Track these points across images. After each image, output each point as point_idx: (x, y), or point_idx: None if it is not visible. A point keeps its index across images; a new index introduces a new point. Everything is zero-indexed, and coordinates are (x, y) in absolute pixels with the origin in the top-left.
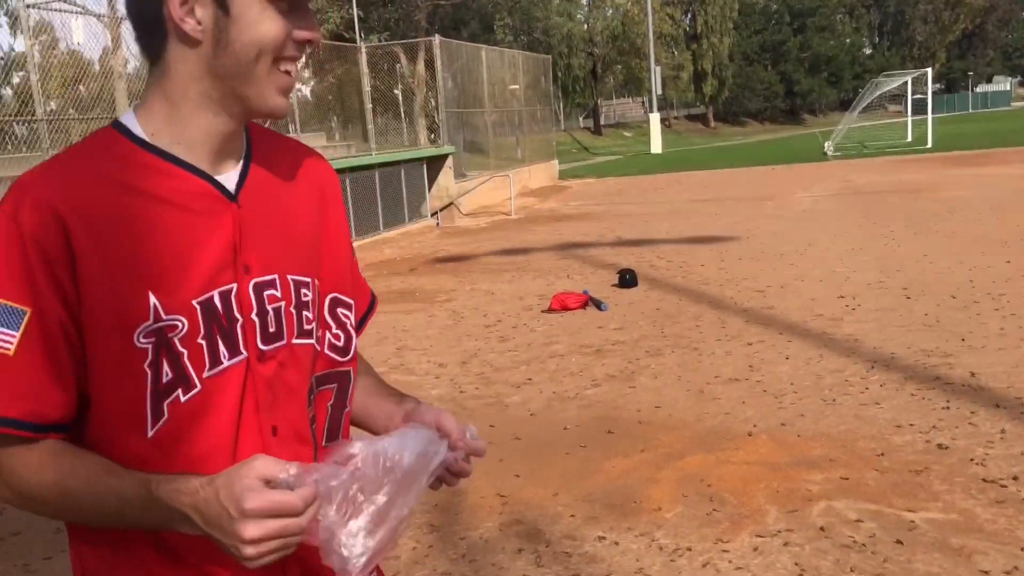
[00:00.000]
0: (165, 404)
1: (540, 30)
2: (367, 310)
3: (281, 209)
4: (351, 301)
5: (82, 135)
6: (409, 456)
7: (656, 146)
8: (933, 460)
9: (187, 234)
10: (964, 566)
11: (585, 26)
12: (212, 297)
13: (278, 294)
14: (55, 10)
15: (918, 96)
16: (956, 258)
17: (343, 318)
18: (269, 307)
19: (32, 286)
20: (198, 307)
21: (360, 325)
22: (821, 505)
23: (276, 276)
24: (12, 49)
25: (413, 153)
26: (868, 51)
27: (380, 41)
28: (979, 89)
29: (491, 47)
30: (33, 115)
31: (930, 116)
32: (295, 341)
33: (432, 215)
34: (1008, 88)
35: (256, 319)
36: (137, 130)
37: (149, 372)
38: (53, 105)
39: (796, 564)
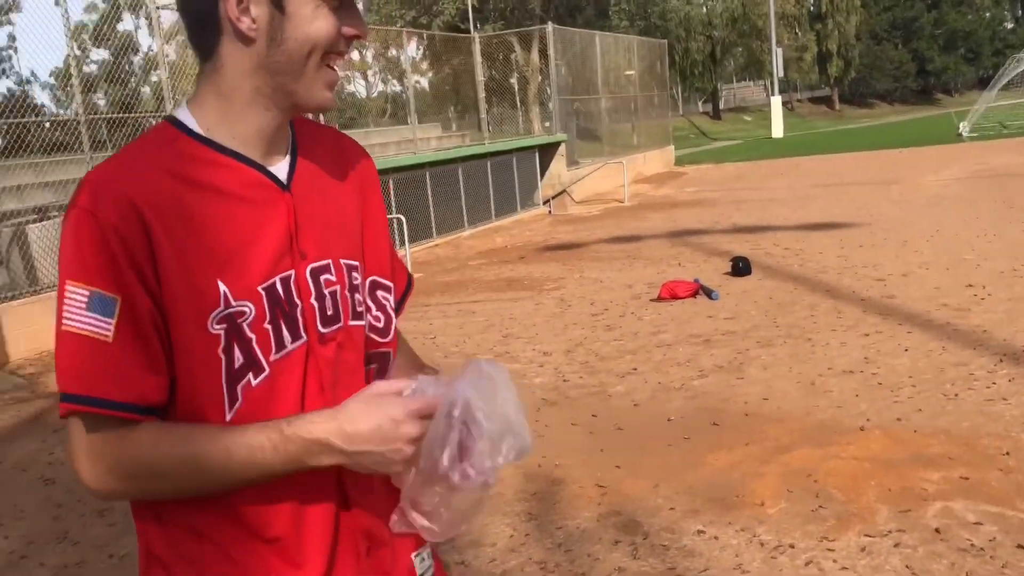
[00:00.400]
0: (239, 388)
1: (657, 14)
2: (405, 291)
3: (328, 196)
4: (390, 284)
5: None
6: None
7: (777, 130)
8: None
9: (248, 223)
10: None
11: (704, 9)
12: (275, 283)
13: (333, 278)
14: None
15: None
16: None
17: (383, 300)
18: (326, 291)
19: (119, 276)
20: (263, 293)
21: (399, 307)
22: (937, 506)
23: (330, 261)
24: (150, 50)
25: (525, 141)
26: (1010, 25)
27: (495, 30)
28: None
29: (605, 33)
30: (165, 112)
31: None
32: (351, 323)
33: (544, 203)
34: None
35: (315, 303)
36: (194, 125)
37: (223, 357)
38: None
39: (907, 567)
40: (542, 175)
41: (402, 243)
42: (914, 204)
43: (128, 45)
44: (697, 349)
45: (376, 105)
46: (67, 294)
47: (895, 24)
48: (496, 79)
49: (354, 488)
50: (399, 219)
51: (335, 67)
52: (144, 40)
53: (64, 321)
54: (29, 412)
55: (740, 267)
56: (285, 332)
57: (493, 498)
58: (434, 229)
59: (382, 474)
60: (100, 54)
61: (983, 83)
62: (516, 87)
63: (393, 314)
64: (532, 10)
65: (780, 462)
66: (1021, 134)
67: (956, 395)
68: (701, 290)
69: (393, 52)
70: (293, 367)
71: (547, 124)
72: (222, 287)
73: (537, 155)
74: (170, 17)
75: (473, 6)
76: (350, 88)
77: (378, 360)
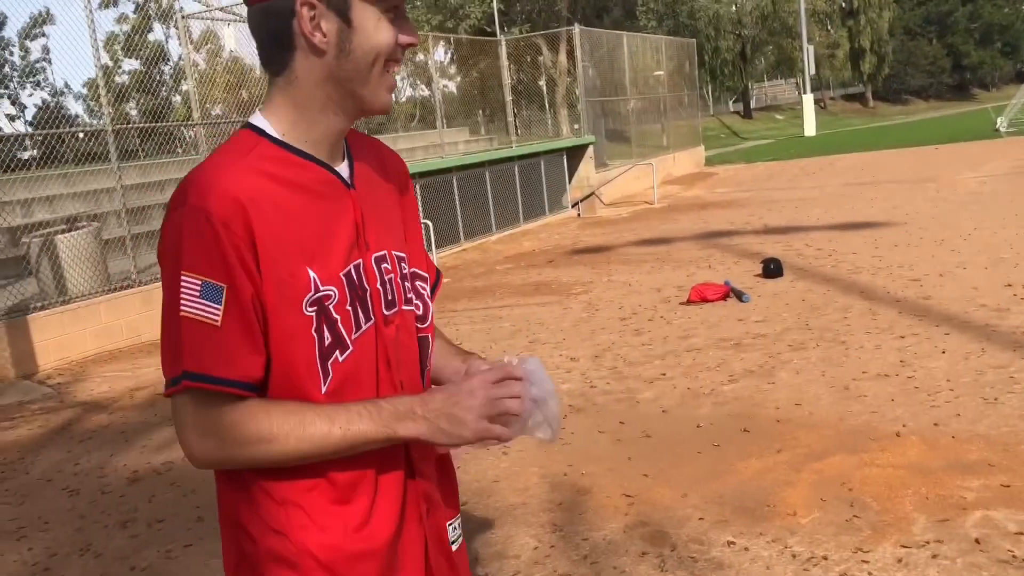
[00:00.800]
0: (329, 364)
1: (685, 14)
2: (435, 284)
3: (379, 194)
4: (426, 275)
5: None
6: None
7: (810, 128)
8: None
9: (327, 217)
10: None
11: (733, 7)
12: (351, 270)
13: (390, 267)
14: (208, 19)
15: None
16: None
17: (420, 290)
18: (386, 278)
19: (226, 266)
20: (344, 279)
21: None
22: (977, 515)
23: (386, 251)
24: (180, 59)
25: (553, 144)
26: None
27: (521, 33)
28: None
29: (633, 33)
30: (195, 121)
31: None
32: (404, 308)
33: (573, 206)
34: None
35: (380, 288)
36: (272, 131)
37: (315, 337)
38: (219, 110)
39: None
40: (570, 178)
41: (429, 248)
42: (950, 202)
43: (159, 55)
44: (727, 353)
45: (404, 110)
46: (183, 284)
47: (929, 19)
48: (523, 82)
49: (419, 459)
50: (426, 224)
51: (393, 72)
52: (175, 50)
53: (182, 308)
54: (56, 422)
55: (771, 269)
56: (360, 314)
57: (517, 508)
58: (462, 233)
59: (448, 444)
60: (131, 64)
61: (1021, 77)
62: (544, 89)
63: (431, 302)
64: (559, 12)
65: (813, 470)
66: None
67: (996, 399)
68: (731, 293)
69: (421, 57)
70: (367, 345)
71: (576, 126)
72: (311, 274)
73: (565, 158)
74: (199, 27)
75: (499, 9)
76: None
77: (420, 344)
